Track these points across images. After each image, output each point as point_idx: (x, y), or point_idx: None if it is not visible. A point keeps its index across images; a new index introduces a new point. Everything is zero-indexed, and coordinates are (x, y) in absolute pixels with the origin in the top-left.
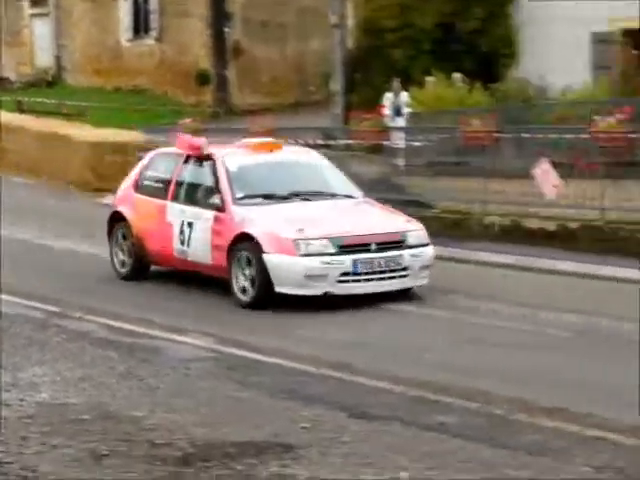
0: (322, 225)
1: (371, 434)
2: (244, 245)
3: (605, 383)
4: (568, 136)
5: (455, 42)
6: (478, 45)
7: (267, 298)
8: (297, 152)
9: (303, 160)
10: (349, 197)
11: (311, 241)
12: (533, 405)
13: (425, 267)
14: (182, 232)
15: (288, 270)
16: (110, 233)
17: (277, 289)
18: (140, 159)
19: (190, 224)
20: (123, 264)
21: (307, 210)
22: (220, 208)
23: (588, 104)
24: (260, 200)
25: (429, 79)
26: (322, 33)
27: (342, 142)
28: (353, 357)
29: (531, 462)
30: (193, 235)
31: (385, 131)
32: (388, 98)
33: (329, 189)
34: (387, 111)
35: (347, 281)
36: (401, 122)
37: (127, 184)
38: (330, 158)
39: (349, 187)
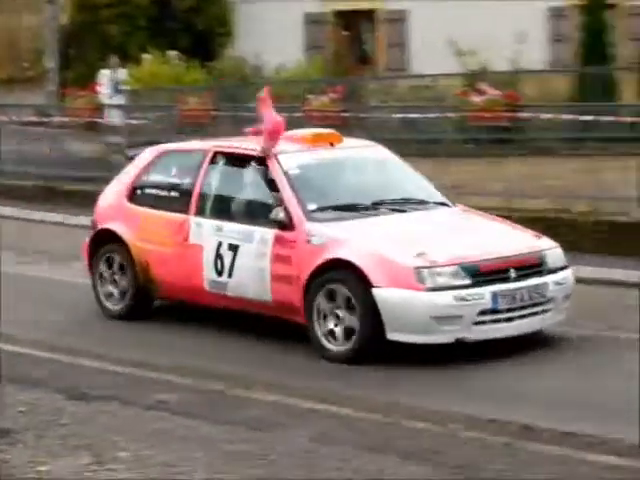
0: (444, 246)
1: (90, 415)
2: (338, 275)
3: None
4: (283, 114)
5: (170, 20)
6: (194, 23)
7: (375, 348)
8: (361, 146)
9: (372, 157)
10: (442, 205)
11: (438, 269)
12: (252, 380)
13: (567, 297)
14: (219, 258)
15: (410, 310)
16: (93, 259)
17: (390, 336)
18: (130, 158)
19: (233, 247)
20: (116, 299)
21: (408, 225)
22: (285, 225)
23: (302, 83)
24: (340, 213)
25: (145, 56)
26: (34, 8)
27: (57, 119)
28: (71, 339)
29: (250, 437)
30: (238, 262)
31: (100, 108)
32: (105, 75)
33: (415, 195)
34: (105, 88)
35: (484, 322)
36: (119, 99)
37: (114, 192)
38: (45, 135)
39: (434, 191)
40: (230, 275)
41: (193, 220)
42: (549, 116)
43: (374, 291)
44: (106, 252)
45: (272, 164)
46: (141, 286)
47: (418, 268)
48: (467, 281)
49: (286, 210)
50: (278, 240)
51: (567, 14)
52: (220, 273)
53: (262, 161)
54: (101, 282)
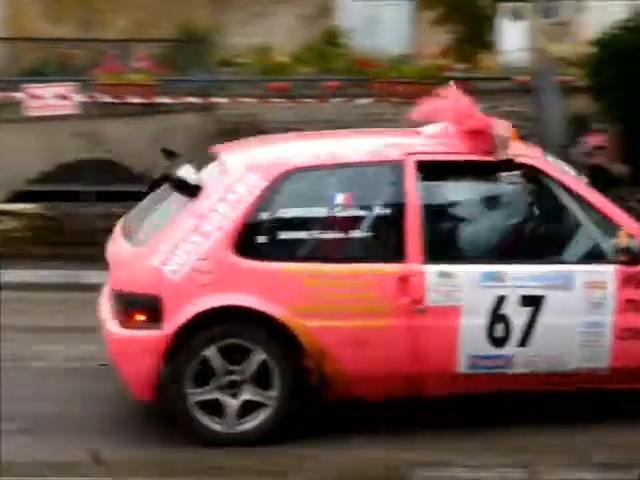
0: None
1: None
2: None
3: None
4: None
5: None
6: None
7: None
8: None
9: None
10: None
11: None
12: None
13: None
14: (500, 320)
15: None
16: (178, 357)
17: None
18: (186, 186)
19: (533, 300)
20: (238, 414)
21: None
22: (637, 257)
23: None
24: None
25: None
26: None
27: None
28: None
29: None
30: (543, 321)
31: None
32: None
33: None
34: None
35: None
36: None
37: (193, 246)
38: None
39: None
40: (523, 343)
41: (428, 269)
42: None
43: None
44: (215, 341)
45: (554, 173)
46: (309, 388)
47: None
48: None
49: (624, 234)
50: (626, 279)
51: None
52: (501, 342)
53: (531, 169)
54: (198, 392)
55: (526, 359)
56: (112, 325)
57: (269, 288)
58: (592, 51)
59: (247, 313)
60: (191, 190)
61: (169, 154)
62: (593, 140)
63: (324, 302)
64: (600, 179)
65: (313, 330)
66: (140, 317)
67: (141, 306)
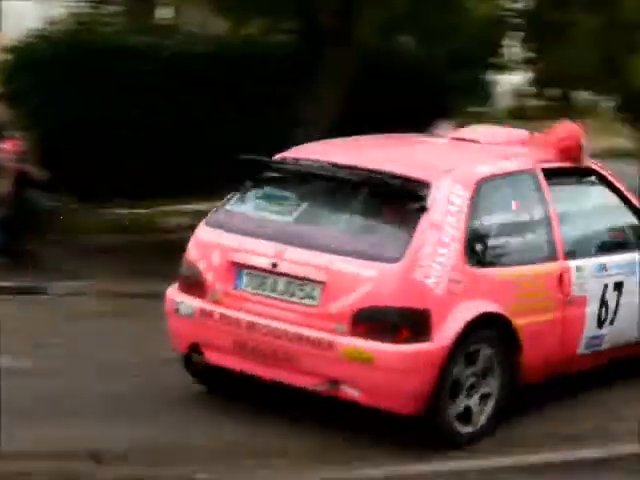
0: None
1: None
2: None
3: None
4: None
5: None
6: None
7: None
8: None
9: None
10: None
11: None
12: None
13: None
14: (604, 305)
15: None
16: (454, 366)
17: None
18: (412, 196)
19: (619, 285)
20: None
21: None
22: None
23: None
24: None
25: None
26: None
27: None
28: None
29: None
30: (623, 302)
31: None
32: None
33: None
34: None
35: None
36: None
37: (440, 256)
38: None
39: None
40: (612, 322)
41: (572, 265)
42: None
43: None
44: (471, 348)
45: (608, 175)
46: (517, 385)
47: None
48: None
49: None
50: None
51: None
52: (602, 324)
53: (589, 174)
54: (456, 397)
55: (610, 336)
56: (365, 343)
57: (496, 292)
58: (7, 58)
59: (490, 318)
60: (422, 204)
61: (249, 162)
62: (11, 146)
63: (524, 301)
64: (28, 183)
65: (522, 327)
66: (407, 332)
67: (408, 320)
